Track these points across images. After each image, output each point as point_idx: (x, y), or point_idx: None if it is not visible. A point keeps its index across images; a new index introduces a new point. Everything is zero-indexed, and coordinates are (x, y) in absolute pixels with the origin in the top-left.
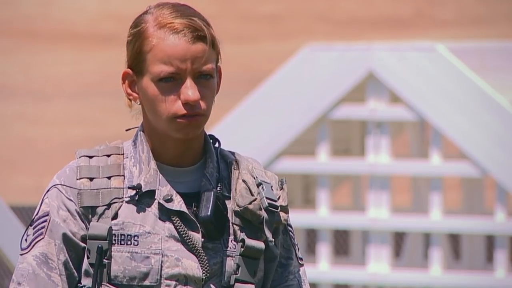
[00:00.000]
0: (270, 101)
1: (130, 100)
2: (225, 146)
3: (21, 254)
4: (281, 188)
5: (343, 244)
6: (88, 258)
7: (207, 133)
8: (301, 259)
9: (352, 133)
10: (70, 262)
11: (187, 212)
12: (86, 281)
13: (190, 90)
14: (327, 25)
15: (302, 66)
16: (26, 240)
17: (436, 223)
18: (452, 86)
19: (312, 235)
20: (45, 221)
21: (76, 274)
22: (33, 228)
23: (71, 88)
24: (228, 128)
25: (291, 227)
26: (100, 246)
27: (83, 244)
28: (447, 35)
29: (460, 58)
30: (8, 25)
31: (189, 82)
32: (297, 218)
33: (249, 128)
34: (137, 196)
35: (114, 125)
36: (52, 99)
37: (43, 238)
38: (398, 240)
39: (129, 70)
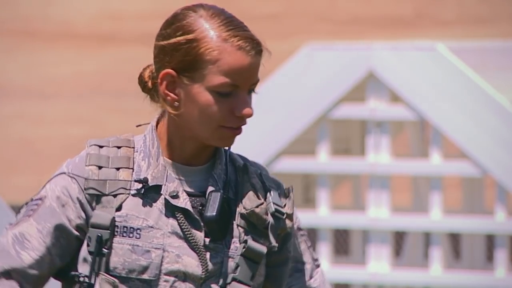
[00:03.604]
0: (270, 101)
1: (165, 100)
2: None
3: (7, 228)
4: (288, 196)
5: (343, 243)
6: (88, 246)
7: None
8: (316, 260)
9: (352, 133)
10: (55, 248)
11: (192, 210)
12: (83, 268)
13: (248, 106)
14: (327, 25)
15: (302, 66)
16: (16, 216)
17: (436, 223)
18: (453, 86)
19: (312, 235)
20: (36, 204)
21: (57, 261)
22: (26, 208)
23: (71, 88)
24: None
25: (303, 230)
26: (99, 235)
27: (76, 233)
28: (448, 35)
29: (461, 58)
30: (8, 25)
31: (245, 96)
32: None
33: (249, 128)
34: (143, 190)
35: (114, 125)
36: (51, 99)
37: (28, 219)
38: (398, 239)
39: (173, 72)
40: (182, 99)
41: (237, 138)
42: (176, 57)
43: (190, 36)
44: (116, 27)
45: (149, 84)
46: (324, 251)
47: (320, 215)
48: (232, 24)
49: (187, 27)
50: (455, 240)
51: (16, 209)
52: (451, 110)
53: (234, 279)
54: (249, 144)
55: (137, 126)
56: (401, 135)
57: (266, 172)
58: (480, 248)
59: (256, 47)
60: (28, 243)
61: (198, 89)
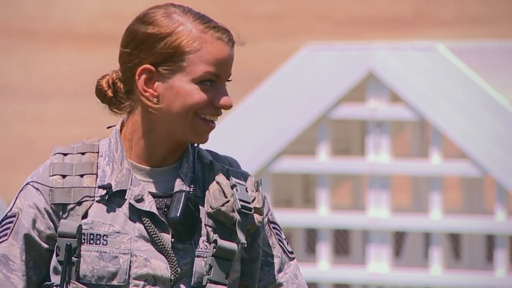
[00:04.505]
0: (270, 101)
1: (144, 97)
2: (225, 146)
3: None
4: (257, 190)
5: (343, 243)
6: (57, 255)
7: None
8: (291, 252)
9: (352, 133)
10: (31, 262)
11: (157, 213)
12: (55, 278)
13: (227, 96)
14: (327, 25)
15: (302, 66)
16: None
17: (436, 223)
18: (452, 86)
19: (312, 235)
20: (11, 222)
21: (31, 274)
22: (1, 227)
23: (71, 88)
24: (228, 128)
25: (275, 223)
26: (68, 243)
27: (45, 245)
28: (447, 35)
29: (460, 58)
30: (8, 25)
31: (224, 88)
32: (297, 218)
33: (249, 128)
34: (107, 195)
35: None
36: (52, 98)
37: (6, 239)
38: (398, 239)
39: (151, 67)
40: (161, 93)
41: (238, 138)
42: (154, 52)
43: (168, 30)
44: (116, 26)
45: (109, 93)
46: (324, 251)
47: (320, 215)
48: (205, 18)
49: (163, 22)
50: (455, 240)
51: None
52: (450, 110)
53: (209, 281)
54: (249, 144)
55: (107, 127)
56: (401, 135)
57: (237, 165)
58: (480, 248)
59: (232, 39)
60: (14, 264)
61: (179, 80)
